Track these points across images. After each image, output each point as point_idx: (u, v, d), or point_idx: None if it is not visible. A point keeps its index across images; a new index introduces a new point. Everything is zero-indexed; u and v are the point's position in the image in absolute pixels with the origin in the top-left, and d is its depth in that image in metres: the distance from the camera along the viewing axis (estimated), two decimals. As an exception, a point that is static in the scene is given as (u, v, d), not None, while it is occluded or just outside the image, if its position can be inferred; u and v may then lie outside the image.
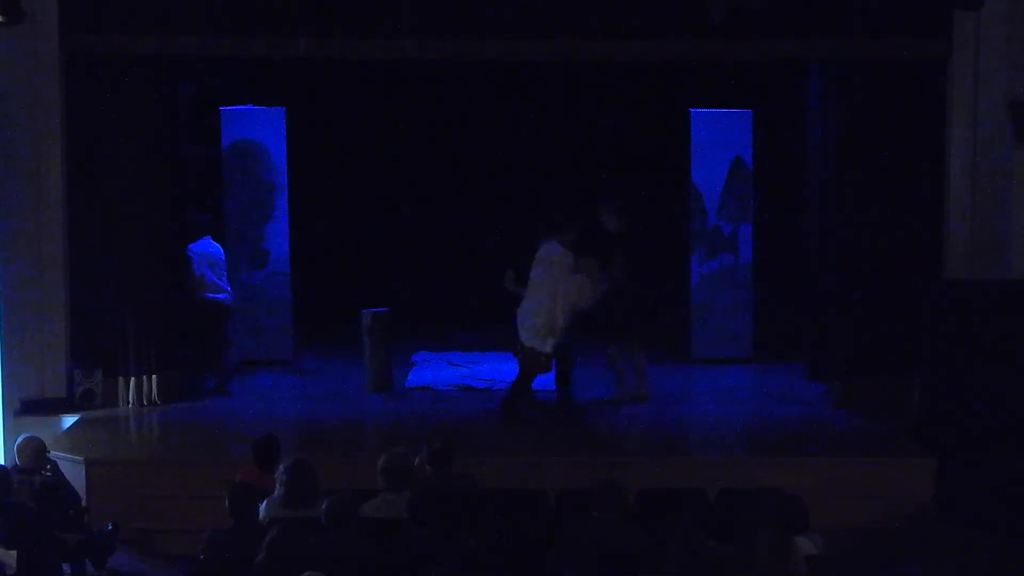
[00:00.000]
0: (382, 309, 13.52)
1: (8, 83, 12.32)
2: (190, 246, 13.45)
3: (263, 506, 8.71)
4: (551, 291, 12.10)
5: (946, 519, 10.81)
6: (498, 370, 13.72)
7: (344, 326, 14.42)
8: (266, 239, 14.52)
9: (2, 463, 10.81)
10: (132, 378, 12.81)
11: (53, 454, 10.68)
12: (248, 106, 14.61)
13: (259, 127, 14.48)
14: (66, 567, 9.80)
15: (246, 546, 8.02)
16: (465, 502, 8.65)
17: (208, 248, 13.52)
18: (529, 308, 12.22)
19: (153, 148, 12.81)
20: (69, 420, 12.32)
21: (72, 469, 10.85)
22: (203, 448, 11.92)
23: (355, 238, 16.03)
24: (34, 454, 10.16)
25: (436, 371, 14.17)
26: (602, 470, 10.20)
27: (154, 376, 12.88)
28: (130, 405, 12.83)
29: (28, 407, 12.41)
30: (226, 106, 14.53)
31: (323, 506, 8.22)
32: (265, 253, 14.52)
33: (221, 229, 14.16)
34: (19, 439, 10.31)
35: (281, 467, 8.82)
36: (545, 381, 12.65)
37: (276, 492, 8.74)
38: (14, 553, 9.52)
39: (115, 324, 12.76)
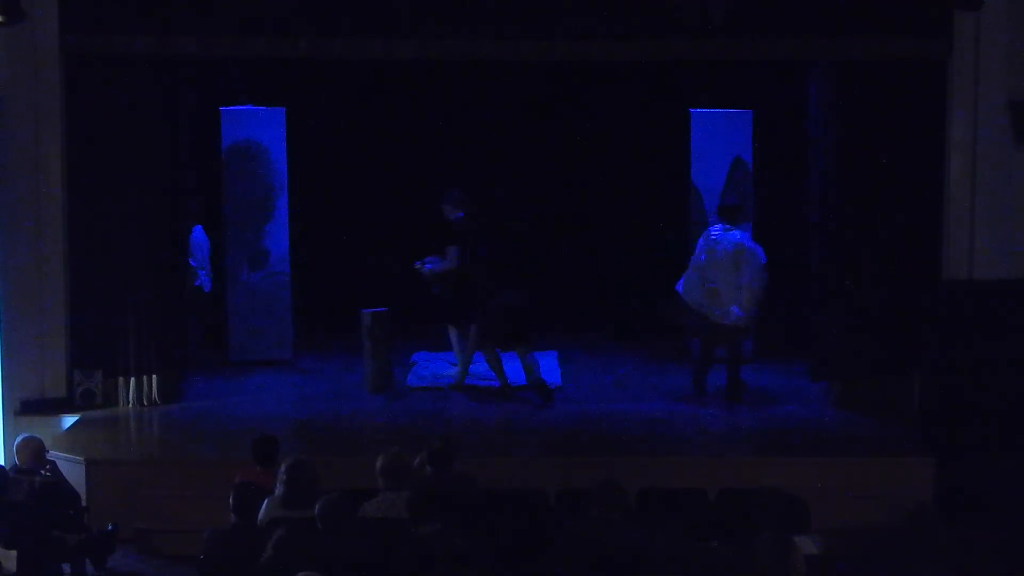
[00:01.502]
0: (382, 309, 13.52)
1: (8, 83, 12.32)
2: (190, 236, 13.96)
3: (263, 505, 8.71)
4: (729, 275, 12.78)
5: (946, 519, 10.81)
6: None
7: (344, 326, 14.42)
8: (266, 239, 14.51)
9: (2, 463, 10.81)
10: (132, 378, 12.80)
11: (53, 454, 10.68)
12: (248, 106, 14.60)
13: (259, 127, 14.46)
14: (66, 567, 9.81)
15: (246, 546, 8.01)
16: (465, 502, 8.65)
17: (200, 237, 14.37)
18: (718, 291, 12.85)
19: (153, 148, 12.80)
20: (69, 420, 12.31)
21: (72, 469, 10.84)
22: (203, 448, 11.93)
23: (355, 238, 16.01)
24: (33, 454, 10.15)
25: (436, 371, 14.15)
26: (602, 470, 10.20)
27: (154, 376, 12.88)
28: (130, 405, 12.82)
29: (28, 407, 12.41)
30: (226, 106, 14.52)
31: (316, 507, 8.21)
32: (265, 253, 14.52)
33: (209, 219, 14.47)
34: (18, 439, 10.30)
35: (282, 466, 8.81)
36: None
37: (277, 492, 8.73)
38: (14, 553, 9.54)
39: (115, 324, 12.75)
